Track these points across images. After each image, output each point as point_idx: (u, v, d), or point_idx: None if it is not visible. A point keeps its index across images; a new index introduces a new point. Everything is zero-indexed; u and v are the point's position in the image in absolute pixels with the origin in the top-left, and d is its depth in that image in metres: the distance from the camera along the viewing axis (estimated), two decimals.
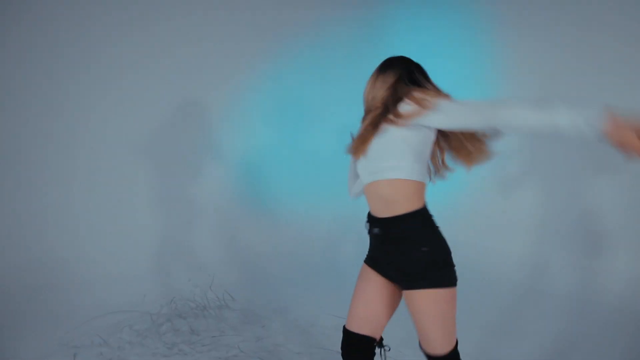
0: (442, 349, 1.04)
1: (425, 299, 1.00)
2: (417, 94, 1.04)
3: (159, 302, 2.36)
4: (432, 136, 1.08)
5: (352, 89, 3.39)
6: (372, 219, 1.12)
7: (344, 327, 1.16)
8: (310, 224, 3.17)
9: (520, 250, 2.85)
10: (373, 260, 1.14)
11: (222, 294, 2.49)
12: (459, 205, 3.30)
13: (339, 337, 1.78)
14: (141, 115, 2.76)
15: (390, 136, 1.04)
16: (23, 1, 2.42)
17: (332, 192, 2.80)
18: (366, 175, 1.10)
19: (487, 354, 1.83)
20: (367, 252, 1.18)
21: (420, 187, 1.08)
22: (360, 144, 1.07)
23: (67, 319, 2.12)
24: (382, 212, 1.07)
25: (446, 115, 0.99)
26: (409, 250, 1.03)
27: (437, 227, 1.08)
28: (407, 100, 1.04)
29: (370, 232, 1.13)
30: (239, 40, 3.08)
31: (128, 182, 2.75)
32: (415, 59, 1.20)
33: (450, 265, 1.06)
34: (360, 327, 1.11)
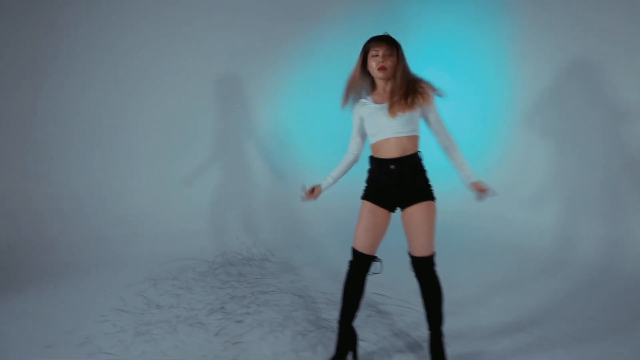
0: (429, 250, 1.47)
1: (423, 208, 1.47)
2: (428, 85, 1.52)
3: (214, 253, 2.92)
4: None
5: None
6: (385, 161, 1.50)
7: (353, 248, 1.53)
8: (341, 196, 3.55)
9: (545, 222, 3.01)
10: (376, 196, 1.52)
11: (263, 250, 3.00)
12: (488, 180, 3.50)
13: None
14: (189, 90, 3.26)
15: (415, 110, 1.51)
16: None
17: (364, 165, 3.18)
18: (391, 132, 1.49)
19: (508, 313, 2.07)
20: (364, 193, 1.57)
21: (418, 138, 1.56)
22: (401, 110, 1.47)
23: (148, 261, 2.74)
24: (398, 155, 1.49)
25: (439, 121, 1.56)
26: (418, 175, 1.52)
27: None
28: (422, 89, 1.51)
29: (384, 169, 1.51)
30: (272, 21, 3.46)
31: (187, 160, 3.31)
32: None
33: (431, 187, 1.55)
34: (366, 249, 1.51)
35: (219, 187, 3.39)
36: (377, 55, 1.48)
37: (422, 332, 1.80)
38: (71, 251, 2.81)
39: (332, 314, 1.98)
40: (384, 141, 1.51)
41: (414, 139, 1.53)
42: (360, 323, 1.90)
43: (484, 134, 3.59)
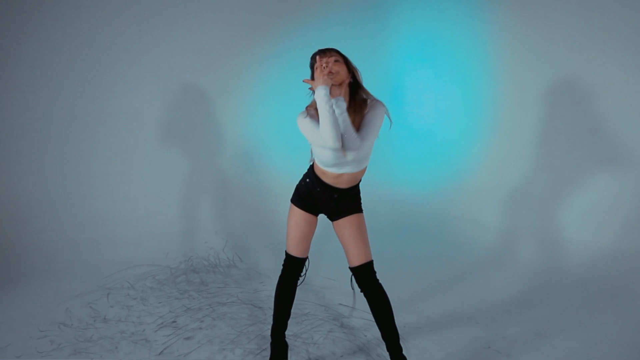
0: (367, 257, 1.46)
1: (355, 219, 1.48)
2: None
3: (179, 259, 2.76)
4: None
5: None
6: (330, 187, 1.47)
7: (287, 252, 1.55)
8: None
9: (496, 221, 2.96)
10: (307, 205, 1.51)
11: (232, 255, 2.85)
12: (451, 183, 3.41)
13: (326, 292, 2.08)
14: (161, 98, 3.11)
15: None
16: None
17: None
18: (347, 168, 1.42)
19: (456, 306, 2.01)
20: (294, 196, 1.55)
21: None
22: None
23: (106, 268, 2.57)
24: (346, 186, 1.47)
25: None
26: (356, 198, 1.53)
27: None
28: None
29: (326, 194, 1.48)
30: (242, 24, 3.29)
31: (156, 159, 3.15)
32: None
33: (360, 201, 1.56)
34: (299, 253, 1.53)
35: (189, 189, 3.23)
36: None
37: (385, 349, 1.67)
38: (24, 257, 2.63)
39: (290, 329, 1.84)
40: (336, 176, 1.45)
41: (364, 170, 1.50)
42: (320, 339, 1.78)
43: (463, 132, 3.47)
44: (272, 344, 1.57)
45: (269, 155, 3.43)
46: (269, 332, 1.81)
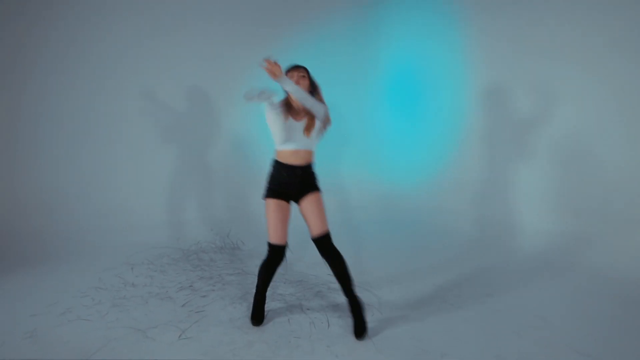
0: (325, 228, 1.81)
1: (315, 196, 1.86)
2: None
3: (189, 242, 3.16)
4: None
5: (346, 71, 4.04)
6: (293, 167, 1.82)
7: (269, 242, 1.81)
8: None
9: (467, 211, 3.40)
10: (279, 194, 1.83)
11: (236, 240, 3.26)
12: (444, 175, 3.84)
13: (317, 267, 2.48)
14: (164, 95, 3.52)
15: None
16: None
17: (328, 164, 3.45)
18: (303, 145, 1.82)
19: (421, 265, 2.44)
20: (266, 193, 1.86)
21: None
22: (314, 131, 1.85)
23: (126, 250, 2.97)
24: (304, 162, 1.84)
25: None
26: (312, 176, 1.89)
27: None
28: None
29: (290, 173, 1.83)
30: (245, 30, 3.76)
31: (166, 157, 3.57)
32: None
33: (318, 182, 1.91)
34: (279, 239, 1.81)
35: (199, 182, 3.65)
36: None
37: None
38: (54, 240, 3.02)
39: (287, 290, 2.27)
40: (295, 151, 1.81)
41: (313, 154, 1.90)
42: (309, 296, 2.20)
43: (443, 136, 3.94)
44: (255, 300, 1.90)
45: (263, 155, 3.86)
46: (269, 293, 2.23)
